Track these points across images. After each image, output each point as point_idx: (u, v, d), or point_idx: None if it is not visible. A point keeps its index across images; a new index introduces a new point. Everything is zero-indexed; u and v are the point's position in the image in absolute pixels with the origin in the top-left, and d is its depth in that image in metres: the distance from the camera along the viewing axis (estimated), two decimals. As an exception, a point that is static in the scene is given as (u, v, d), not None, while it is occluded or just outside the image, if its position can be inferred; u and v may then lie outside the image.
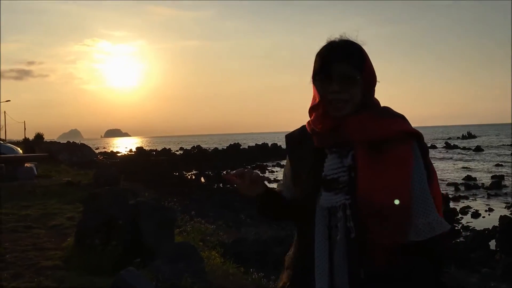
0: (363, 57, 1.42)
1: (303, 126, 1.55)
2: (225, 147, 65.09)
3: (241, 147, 61.85)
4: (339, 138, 1.40)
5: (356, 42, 1.44)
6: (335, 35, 1.46)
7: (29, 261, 5.34)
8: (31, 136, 49.63)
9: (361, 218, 1.33)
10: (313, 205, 1.41)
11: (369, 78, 1.42)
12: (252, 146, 64.02)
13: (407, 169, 1.34)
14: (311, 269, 1.39)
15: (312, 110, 1.47)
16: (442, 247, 1.42)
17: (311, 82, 1.46)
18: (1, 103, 53.74)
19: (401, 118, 1.43)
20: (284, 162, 1.67)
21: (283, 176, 1.64)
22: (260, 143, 68.90)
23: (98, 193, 6.12)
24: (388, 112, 1.45)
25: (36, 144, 37.63)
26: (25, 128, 55.05)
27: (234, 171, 1.47)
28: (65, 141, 54.81)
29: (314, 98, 1.46)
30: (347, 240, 1.35)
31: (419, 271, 1.36)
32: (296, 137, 1.57)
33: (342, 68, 1.37)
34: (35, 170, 14.81)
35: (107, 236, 5.36)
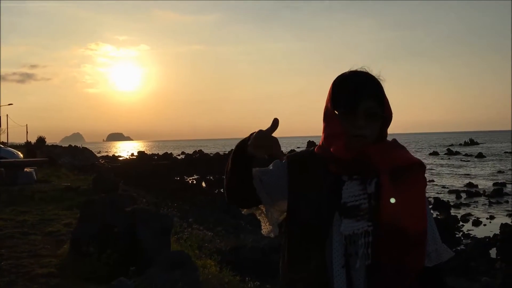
0: (384, 94, 1.46)
1: (310, 150, 1.54)
2: (226, 152, 65.13)
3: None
4: (363, 166, 1.41)
5: (377, 77, 1.47)
6: (356, 66, 1.48)
7: (23, 268, 5.32)
8: (33, 140, 49.78)
9: (381, 245, 1.36)
10: (329, 232, 1.39)
11: (389, 114, 1.47)
12: (254, 151, 63.93)
13: (424, 197, 1.44)
14: None
15: (330, 137, 1.45)
16: (444, 273, 1.51)
17: (328, 109, 1.46)
18: (4, 106, 53.75)
19: (406, 149, 1.51)
20: None
21: (263, 175, 1.53)
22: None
23: (94, 200, 6.11)
24: (398, 143, 1.51)
25: (37, 148, 37.74)
26: (27, 132, 55.17)
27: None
28: (67, 145, 54.99)
29: (332, 126, 1.45)
30: (365, 267, 1.37)
31: None
32: (302, 160, 1.53)
33: (368, 105, 1.40)
34: (34, 175, 14.82)
35: (102, 244, 5.33)
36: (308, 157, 1.52)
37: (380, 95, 1.44)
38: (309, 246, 1.42)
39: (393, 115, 1.50)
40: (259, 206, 1.56)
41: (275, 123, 1.39)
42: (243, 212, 1.63)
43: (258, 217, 1.61)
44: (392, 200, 1.37)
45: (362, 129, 1.40)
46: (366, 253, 1.37)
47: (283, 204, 1.51)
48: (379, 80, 1.47)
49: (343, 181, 1.43)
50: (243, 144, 1.44)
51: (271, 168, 1.56)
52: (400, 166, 1.42)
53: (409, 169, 1.43)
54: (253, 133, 1.42)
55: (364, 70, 1.47)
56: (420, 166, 1.46)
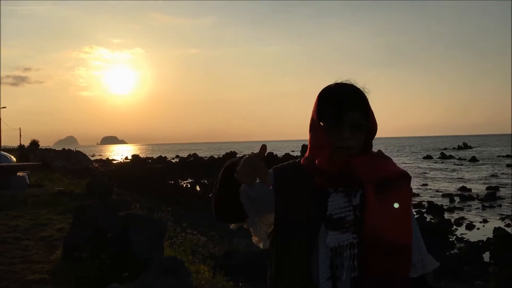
0: (369, 106, 1.47)
1: (296, 162, 1.54)
2: (221, 155, 65.07)
3: (237, 155, 61.65)
4: (347, 178, 1.42)
5: (363, 90, 1.48)
6: (342, 78, 1.50)
7: (15, 274, 5.28)
8: (26, 143, 49.51)
9: (366, 257, 1.36)
10: (314, 245, 1.40)
11: (373, 126, 1.48)
12: (248, 155, 63.90)
13: (409, 208, 1.44)
14: None
15: (315, 148, 1.46)
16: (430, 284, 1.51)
17: (314, 120, 1.47)
18: (-3, 110, 53.37)
19: (391, 160, 1.52)
20: None
21: (250, 190, 1.50)
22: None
23: (87, 205, 6.09)
24: (383, 154, 1.52)
25: (31, 151, 37.55)
26: (20, 135, 54.79)
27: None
28: (60, 148, 54.71)
29: (317, 137, 1.46)
30: (351, 279, 1.37)
31: None
32: (288, 172, 1.53)
33: (354, 117, 1.41)
34: (27, 179, 14.73)
35: (95, 249, 5.31)
36: (294, 169, 1.52)
37: (365, 107, 1.45)
38: (295, 258, 1.43)
39: (377, 127, 1.50)
40: (247, 220, 1.55)
41: (263, 149, 1.38)
42: (231, 227, 1.63)
43: (246, 227, 1.60)
44: (396, 205, 1.39)
45: (347, 141, 1.41)
46: (352, 265, 1.37)
47: (270, 217, 1.51)
48: (364, 92, 1.48)
49: (329, 193, 1.43)
50: (232, 167, 1.42)
51: (257, 182, 1.56)
52: (385, 178, 1.43)
53: (394, 180, 1.44)
54: (243, 156, 1.41)
55: (349, 82, 1.48)
56: (405, 177, 1.47)
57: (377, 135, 1.54)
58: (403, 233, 1.39)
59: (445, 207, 22.90)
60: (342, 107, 1.41)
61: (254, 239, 1.59)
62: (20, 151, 35.96)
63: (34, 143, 46.62)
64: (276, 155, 63.44)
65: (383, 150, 1.58)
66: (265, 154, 1.38)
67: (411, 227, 1.42)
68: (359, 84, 1.49)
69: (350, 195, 1.41)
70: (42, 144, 56.08)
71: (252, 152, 1.41)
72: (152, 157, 76.65)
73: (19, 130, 55.41)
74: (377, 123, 1.51)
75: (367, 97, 1.48)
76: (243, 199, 1.49)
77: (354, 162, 1.42)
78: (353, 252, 1.38)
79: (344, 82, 1.49)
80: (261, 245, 1.58)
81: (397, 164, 1.52)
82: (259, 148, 1.41)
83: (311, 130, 1.48)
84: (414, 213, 20.77)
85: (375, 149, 1.53)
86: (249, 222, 1.53)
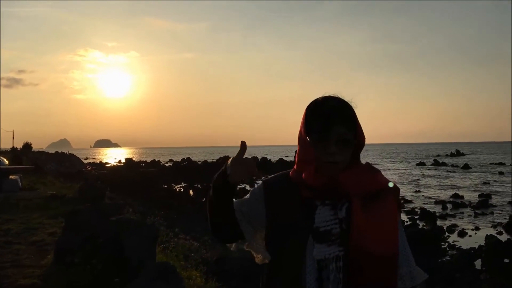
0: (356, 120, 1.47)
1: (285, 174, 1.55)
2: (215, 160, 64.99)
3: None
4: (334, 191, 1.43)
5: (350, 104, 1.49)
6: (330, 92, 1.50)
7: (6, 279, 5.25)
8: (19, 145, 49.20)
9: (352, 270, 1.37)
10: (302, 257, 1.41)
11: (361, 140, 1.48)
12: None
13: (395, 221, 1.44)
14: None
15: (301, 162, 1.47)
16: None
17: (302, 134, 1.47)
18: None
19: (380, 172, 1.52)
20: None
21: (242, 206, 1.55)
22: (250, 156, 68.67)
23: (79, 209, 6.06)
24: (371, 167, 1.52)
25: (24, 154, 37.32)
26: (13, 137, 54.48)
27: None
28: (53, 151, 54.38)
29: (304, 151, 1.47)
30: None
31: None
32: (278, 185, 1.54)
33: (341, 131, 1.42)
34: (19, 182, 14.64)
35: (87, 254, 5.29)
36: (283, 182, 1.53)
37: (352, 121, 1.45)
38: (285, 270, 1.44)
39: (365, 141, 1.51)
40: (244, 237, 1.56)
41: (243, 145, 1.43)
42: (231, 249, 1.65)
43: (247, 249, 1.60)
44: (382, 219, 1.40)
45: (334, 155, 1.41)
46: (338, 277, 1.38)
47: (263, 231, 1.52)
48: (351, 106, 1.48)
49: (316, 206, 1.44)
50: (222, 177, 1.44)
51: (248, 197, 1.57)
52: (372, 191, 1.43)
53: (381, 193, 1.44)
54: (226, 163, 1.44)
55: (337, 96, 1.49)
56: (392, 190, 1.48)
57: (371, 141, 1.55)
58: (389, 245, 1.40)
59: (438, 214, 22.96)
60: (329, 122, 1.42)
61: (257, 257, 1.58)
62: (12, 153, 35.74)
63: (27, 146, 46.35)
64: (270, 160, 63.60)
65: (376, 156, 1.58)
66: (245, 150, 1.42)
67: (397, 240, 1.43)
68: (346, 98, 1.49)
69: (336, 208, 1.42)
70: (35, 147, 55.87)
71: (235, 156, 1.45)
72: (145, 160, 76.36)
73: (12, 132, 55.14)
74: (365, 137, 1.51)
75: (355, 111, 1.48)
76: (238, 215, 1.51)
77: (341, 175, 1.43)
78: (339, 264, 1.38)
79: (332, 96, 1.49)
80: (266, 260, 1.56)
81: (385, 176, 1.53)
82: (253, 152, 1.43)
83: (299, 144, 1.49)
84: (407, 220, 20.98)
85: (370, 155, 1.54)
86: (246, 238, 1.54)
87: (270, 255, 1.49)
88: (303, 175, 1.46)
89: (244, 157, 1.43)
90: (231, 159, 1.43)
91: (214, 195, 1.48)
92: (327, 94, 1.49)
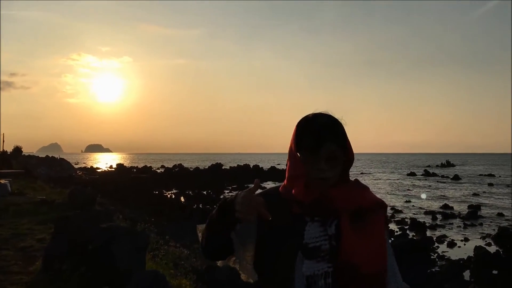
0: (346, 137, 1.50)
1: (275, 189, 1.57)
2: (206, 167, 64.87)
3: (222, 167, 61.63)
4: (323, 208, 1.45)
5: (340, 121, 1.51)
6: (320, 109, 1.52)
7: (-7, 285, 5.20)
8: (9, 149, 48.75)
9: (341, 286, 1.39)
10: (290, 273, 1.41)
11: (350, 157, 1.51)
12: (234, 167, 63.91)
13: (383, 237, 1.47)
14: None
15: (292, 178, 1.49)
16: None
17: (293, 149, 1.49)
18: (-20, 115, 52.48)
19: (369, 189, 1.54)
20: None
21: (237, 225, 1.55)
22: (242, 164, 68.83)
23: (69, 215, 6.03)
24: (360, 183, 1.54)
25: (14, 158, 36.99)
26: (3, 141, 53.86)
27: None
28: (44, 155, 53.95)
29: (294, 167, 1.48)
30: None
31: None
32: (268, 201, 1.51)
33: (331, 148, 1.43)
34: (9, 187, 14.51)
35: (76, 261, 5.26)
36: (274, 198, 1.53)
37: (342, 138, 1.47)
38: (273, 286, 1.45)
39: (354, 157, 1.54)
40: (233, 255, 1.56)
41: (257, 185, 1.42)
42: (219, 265, 1.65)
43: (232, 266, 1.61)
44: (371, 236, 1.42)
45: (324, 172, 1.43)
46: None
47: (252, 248, 1.52)
48: (341, 123, 1.50)
49: (306, 222, 1.45)
50: (227, 206, 1.44)
51: None
52: (361, 207, 1.46)
53: (369, 209, 1.47)
54: (237, 194, 1.43)
55: (327, 113, 1.51)
56: (381, 206, 1.50)
57: (362, 150, 1.55)
58: (378, 262, 1.42)
59: (428, 225, 23.08)
60: (320, 139, 1.44)
61: (243, 276, 1.59)
62: (2, 157, 35.43)
63: (17, 149, 45.91)
64: (262, 168, 63.61)
65: (367, 166, 1.60)
66: (258, 188, 1.42)
67: (386, 256, 1.45)
68: (337, 115, 1.51)
69: (326, 225, 1.44)
70: (26, 151, 55.37)
71: (246, 186, 1.44)
72: (137, 166, 76.08)
73: (2, 135, 54.67)
74: (357, 145, 1.54)
75: (344, 129, 1.50)
76: (232, 235, 1.51)
77: (331, 192, 1.45)
78: (328, 281, 1.40)
79: (322, 112, 1.51)
80: (250, 280, 1.57)
81: (376, 186, 1.56)
82: (245, 160, 1.42)
83: (289, 159, 1.51)
84: (397, 229, 21.01)
85: (360, 164, 1.56)
86: (235, 256, 1.54)
87: (259, 270, 1.50)
88: (293, 191, 1.47)
89: (256, 193, 1.42)
90: (242, 195, 1.41)
91: (216, 222, 1.49)
92: (318, 111, 1.51)
